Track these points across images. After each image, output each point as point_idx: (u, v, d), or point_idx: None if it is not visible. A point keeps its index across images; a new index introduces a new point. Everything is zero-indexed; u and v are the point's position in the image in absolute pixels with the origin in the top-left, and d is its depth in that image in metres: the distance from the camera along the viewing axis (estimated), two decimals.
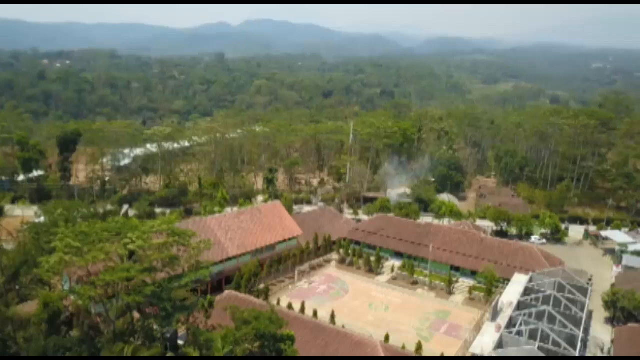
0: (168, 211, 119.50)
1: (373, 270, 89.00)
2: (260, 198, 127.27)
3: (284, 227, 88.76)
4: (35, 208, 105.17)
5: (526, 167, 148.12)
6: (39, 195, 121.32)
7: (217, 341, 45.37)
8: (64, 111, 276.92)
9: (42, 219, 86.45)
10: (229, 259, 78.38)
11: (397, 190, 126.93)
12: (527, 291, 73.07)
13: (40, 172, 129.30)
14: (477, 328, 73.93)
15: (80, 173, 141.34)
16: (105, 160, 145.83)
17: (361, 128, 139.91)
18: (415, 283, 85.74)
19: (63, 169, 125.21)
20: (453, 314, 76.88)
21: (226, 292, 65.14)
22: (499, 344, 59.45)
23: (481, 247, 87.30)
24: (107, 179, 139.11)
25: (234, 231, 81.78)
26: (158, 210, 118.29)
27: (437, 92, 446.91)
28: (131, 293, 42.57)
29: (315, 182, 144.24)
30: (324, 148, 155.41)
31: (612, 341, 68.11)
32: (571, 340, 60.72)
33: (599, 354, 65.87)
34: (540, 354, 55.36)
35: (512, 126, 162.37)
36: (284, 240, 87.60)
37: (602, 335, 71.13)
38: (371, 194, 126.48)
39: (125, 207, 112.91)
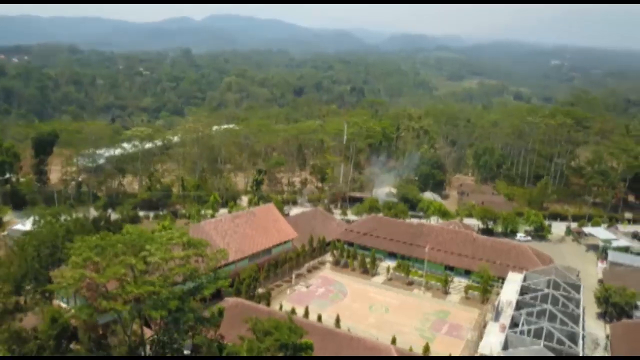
0: (152, 214, 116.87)
1: (368, 271, 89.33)
2: (245, 199, 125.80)
3: (279, 230, 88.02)
4: (12, 213, 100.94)
5: (503, 164, 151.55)
6: (13, 199, 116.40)
7: (241, 353, 44.65)
8: (27, 109, 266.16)
9: (27, 226, 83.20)
10: (227, 264, 77.07)
11: (383, 189, 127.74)
12: (524, 290, 74.72)
13: (10, 175, 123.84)
14: (477, 327, 75.48)
15: (52, 175, 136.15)
16: (75, 160, 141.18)
17: (344, 127, 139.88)
18: (410, 283, 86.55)
19: (39, 172, 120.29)
20: (452, 314, 77.99)
21: (231, 299, 64.02)
22: (506, 344, 60.69)
23: (474, 247, 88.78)
24: (80, 179, 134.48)
25: (231, 236, 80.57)
26: (141, 213, 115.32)
27: (405, 89, 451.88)
28: (158, 307, 41.20)
29: (297, 181, 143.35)
30: (305, 147, 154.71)
31: (607, 336, 70.70)
32: (572, 338, 62.51)
33: (597, 349, 68.02)
34: (549, 353, 56.78)
35: (489, 124, 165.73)
36: (280, 244, 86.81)
37: (595, 330, 73.53)
38: (357, 194, 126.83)
39: (109, 211, 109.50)
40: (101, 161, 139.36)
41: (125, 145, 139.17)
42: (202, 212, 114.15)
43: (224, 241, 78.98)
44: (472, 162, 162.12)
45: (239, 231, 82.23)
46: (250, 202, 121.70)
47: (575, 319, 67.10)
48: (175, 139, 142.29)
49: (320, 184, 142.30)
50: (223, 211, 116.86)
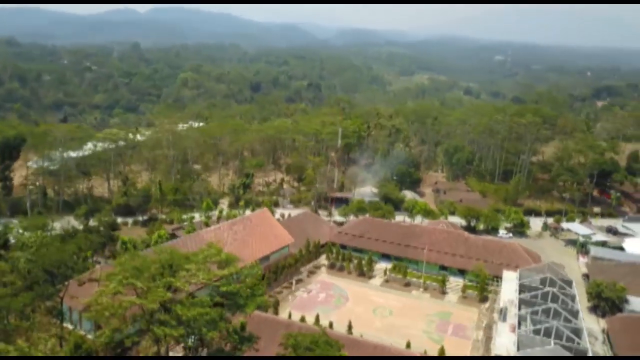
0: (130, 221, 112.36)
1: (364, 273, 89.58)
2: (225, 202, 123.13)
3: (275, 235, 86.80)
4: None
5: (473, 161, 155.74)
6: None
7: None
8: None
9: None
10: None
11: (364, 189, 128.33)
12: (522, 288, 77.17)
13: None
14: (480, 327, 77.43)
15: (16, 180, 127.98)
16: (33, 163, 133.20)
17: (320, 127, 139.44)
18: (408, 285, 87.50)
19: (3, 178, 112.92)
20: (454, 314, 79.43)
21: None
22: (519, 345, 62.44)
23: (467, 246, 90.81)
24: (39, 183, 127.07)
25: (231, 244, 78.50)
26: (119, 220, 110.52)
27: (360, 85, 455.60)
28: (209, 329, 39.45)
29: (271, 182, 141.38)
30: (279, 147, 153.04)
31: (603, 330, 74.15)
32: (577, 334, 65.08)
33: (597, 343, 71.12)
34: (565, 352, 58.89)
35: (456, 122, 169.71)
36: (278, 250, 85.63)
37: (590, 324, 76.82)
38: (338, 194, 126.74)
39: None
40: (56, 166, 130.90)
41: (90, 145, 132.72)
42: (184, 216, 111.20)
43: (224, 249, 76.86)
44: (442, 160, 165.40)
45: (238, 238, 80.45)
46: (231, 206, 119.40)
47: (575, 315, 70.03)
48: (141, 138, 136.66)
49: (297, 184, 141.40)
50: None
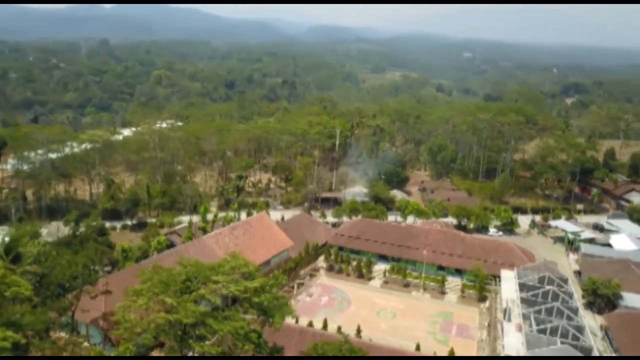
0: (118, 225, 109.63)
1: (364, 275, 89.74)
2: (214, 205, 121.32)
3: (275, 239, 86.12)
4: None
5: (456, 160, 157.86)
6: None
7: None
8: None
9: None
10: None
11: (353, 189, 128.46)
12: (522, 287, 78.67)
13: None
14: (482, 326, 78.53)
15: None
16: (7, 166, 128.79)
17: (307, 127, 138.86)
18: (407, 285, 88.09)
19: None
20: (456, 315, 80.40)
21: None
22: (527, 344, 63.57)
23: (463, 246, 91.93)
24: (14, 186, 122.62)
25: (232, 248, 77.00)
26: (106, 224, 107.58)
27: (334, 82, 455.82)
28: (244, 343, 38.70)
29: (258, 182, 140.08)
30: (265, 147, 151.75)
31: (601, 327, 76.21)
32: (580, 331, 66.79)
33: (597, 339, 73.02)
34: (575, 351, 60.27)
35: (439, 121, 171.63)
36: (278, 254, 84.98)
37: (588, 321, 78.83)
38: (328, 194, 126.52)
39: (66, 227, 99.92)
40: (34, 168, 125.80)
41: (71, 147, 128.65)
42: (175, 220, 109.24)
43: (227, 255, 75.86)
44: (424, 158, 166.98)
45: (239, 243, 79.36)
46: (220, 208, 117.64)
47: (575, 313, 71.83)
48: (120, 139, 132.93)
49: (284, 185, 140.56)
50: (197, 218, 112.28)
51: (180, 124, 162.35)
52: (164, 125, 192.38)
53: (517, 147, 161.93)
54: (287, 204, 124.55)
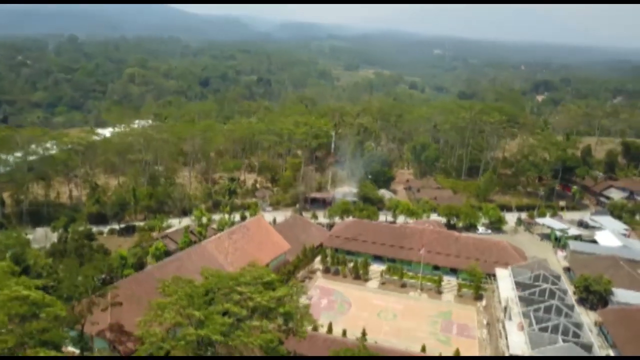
0: (105, 230, 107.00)
1: (360, 276, 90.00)
2: (202, 207, 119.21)
3: (273, 243, 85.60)
4: None
5: (439, 158, 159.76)
6: None
7: None
8: None
9: None
10: None
11: (342, 189, 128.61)
12: (518, 286, 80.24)
13: None
14: (481, 325, 79.73)
15: None
16: None
17: (294, 127, 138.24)
18: (404, 286, 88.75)
19: None
20: (454, 314, 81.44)
21: None
22: (531, 343, 64.85)
23: (458, 245, 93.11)
24: None
25: (232, 254, 76.90)
26: (93, 229, 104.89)
27: (308, 79, 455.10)
28: (273, 354, 38.29)
29: (242, 183, 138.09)
30: (249, 147, 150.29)
31: (595, 323, 78.35)
32: (579, 328, 68.50)
33: (593, 335, 75.03)
34: (579, 349, 61.79)
35: (422, 119, 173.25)
36: (276, 257, 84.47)
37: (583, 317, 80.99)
38: (317, 195, 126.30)
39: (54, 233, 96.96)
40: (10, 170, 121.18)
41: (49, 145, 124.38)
42: (164, 224, 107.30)
43: (227, 260, 75.27)
44: (407, 157, 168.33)
45: (239, 248, 78.71)
46: (208, 211, 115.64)
47: (572, 309, 73.73)
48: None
49: (270, 185, 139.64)
50: (187, 221, 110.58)
51: (156, 123, 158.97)
52: (143, 124, 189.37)
53: (499, 146, 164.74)
54: (276, 205, 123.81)
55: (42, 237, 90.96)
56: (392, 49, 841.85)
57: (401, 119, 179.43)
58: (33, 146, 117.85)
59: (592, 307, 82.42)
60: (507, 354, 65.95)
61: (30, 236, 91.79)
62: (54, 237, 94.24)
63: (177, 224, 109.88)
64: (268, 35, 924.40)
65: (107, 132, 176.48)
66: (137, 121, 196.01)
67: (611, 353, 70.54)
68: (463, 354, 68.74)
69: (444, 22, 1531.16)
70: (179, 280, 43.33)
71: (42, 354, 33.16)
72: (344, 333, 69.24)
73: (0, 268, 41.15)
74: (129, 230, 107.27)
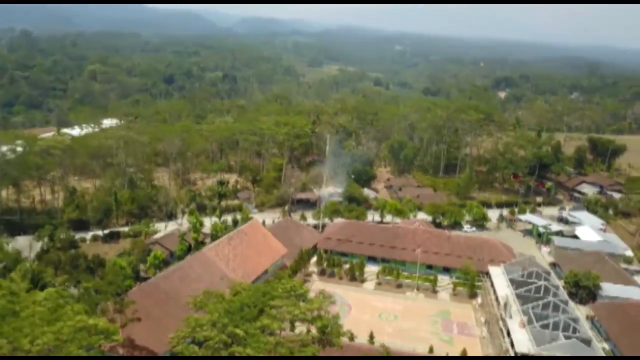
0: (88, 236, 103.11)
1: (356, 278, 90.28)
2: (186, 210, 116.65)
3: (270, 247, 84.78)
4: None
5: (417, 156, 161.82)
6: None
7: None
8: None
9: None
10: None
11: (327, 189, 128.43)
12: (513, 284, 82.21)
13: None
14: (480, 323, 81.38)
15: None
16: None
17: (276, 127, 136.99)
18: (399, 286, 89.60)
19: None
20: (452, 313, 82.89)
21: None
22: (534, 340, 66.60)
23: (450, 244, 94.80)
24: None
25: (233, 260, 75.70)
26: (82, 235, 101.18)
27: (274, 76, 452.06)
28: None
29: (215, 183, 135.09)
30: (227, 147, 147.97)
31: (587, 317, 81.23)
32: (577, 323, 70.85)
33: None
34: (583, 345, 63.90)
35: (397, 118, 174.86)
36: (274, 262, 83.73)
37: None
38: (302, 195, 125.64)
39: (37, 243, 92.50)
40: None
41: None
42: (150, 229, 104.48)
43: (229, 267, 74.04)
44: (385, 155, 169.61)
45: (238, 254, 77.55)
46: (192, 214, 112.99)
47: (568, 305, 76.19)
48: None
49: (251, 186, 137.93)
50: (171, 225, 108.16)
51: (127, 123, 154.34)
52: (111, 124, 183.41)
53: (475, 143, 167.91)
54: (261, 207, 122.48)
55: (25, 247, 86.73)
56: (354, 45, 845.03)
57: (376, 117, 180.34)
58: (4, 149, 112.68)
59: (582, 302, 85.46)
60: (511, 352, 67.62)
61: (10, 246, 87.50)
62: (37, 246, 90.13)
63: (162, 228, 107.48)
64: (229, 31, 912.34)
65: (74, 132, 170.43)
66: (105, 121, 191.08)
67: (605, 346, 73.30)
68: (460, 352, 69.75)
69: (404, 18, 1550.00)
70: (210, 295, 42.22)
71: None
72: (351, 337, 69.03)
73: (50, 296, 38.79)
74: (113, 237, 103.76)
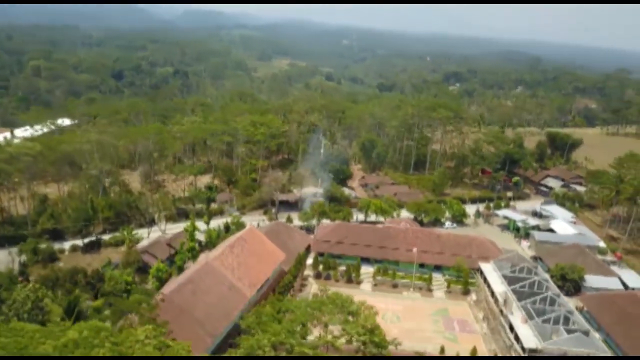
0: (66, 247, 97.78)
1: (353, 280, 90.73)
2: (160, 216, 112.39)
3: (269, 253, 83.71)
4: None
5: (388, 154, 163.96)
6: None
7: None
8: None
9: None
10: None
11: (308, 189, 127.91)
12: (506, 279, 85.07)
13: None
14: (478, 320, 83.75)
15: None
16: None
17: (252, 128, 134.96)
18: (395, 286, 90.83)
19: None
20: (450, 311, 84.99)
21: None
22: (538, 336, 69.31)
23: (440, 243, 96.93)
24: None
25: (237, 269, 74.17)
26: (57, 246, 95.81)
27: (226, 71, 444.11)
28: None
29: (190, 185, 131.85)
30: (199, 148, 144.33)
31: (576, 307, 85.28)
32: (573, 315, 74.41)
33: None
34: (587, 339, 67.17)
35: (366, 115, 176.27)
36: (276, 268, 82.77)
37: None
38: (283, 196, 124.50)
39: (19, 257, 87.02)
40: None
41: None
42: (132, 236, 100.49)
43: (235, 276, 72.51)
44: (356, 153, 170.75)
45: (242, 262, 76.05)
46: (172, 220, 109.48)
47: (560, 298, 79.79)
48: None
49: (227, 188, 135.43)
50: (154, 232, 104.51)
51: (76, 122, 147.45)
52: (65, 124, 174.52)
53: (445, 140, 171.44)
54: (242, 209, 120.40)
55: (7, 262, 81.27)
56: (301, 39, 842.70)
57: (344, 115, 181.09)
58: None
59: (568, 294, 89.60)
60: (517, 347, 70.18)
61: None
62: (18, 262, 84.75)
63: (144, 235, 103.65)
64: (172, 23, 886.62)
65: (26, 133, 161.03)
66: (60, 121, 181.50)
67: (597, 336, 77.36)
68: (470, 350, 71.76)
69: (348, 13, 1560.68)
70: (261, 313, 41.22)
71: None
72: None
73: (146, 333, 36.13)
74: (93, 246, 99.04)
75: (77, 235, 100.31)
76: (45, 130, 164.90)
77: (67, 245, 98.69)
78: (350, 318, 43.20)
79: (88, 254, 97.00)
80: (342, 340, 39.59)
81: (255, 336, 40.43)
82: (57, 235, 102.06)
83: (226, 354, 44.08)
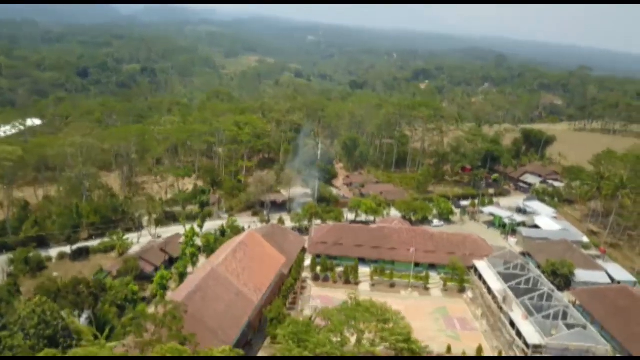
0: (53, 254, 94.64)
1: (351, 281, 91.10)
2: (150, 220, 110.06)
3: (270, 257, 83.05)
4: None
5: (369, 152, 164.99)
6: None
7: None
8: None
9: None
10: None
11: (297, 190, 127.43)
12: (502, 276, 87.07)
13: None
14: (477, 317, 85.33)
15: None
16: None
17: (237, 128, 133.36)
18: (392, 286, 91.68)
19: None
20: (449, 309, 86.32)
21: None
22: (540, 331, 71.31)
23: (434, 242, 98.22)
24: None
25: (242, 274, 73.41)
26: (42, 254, 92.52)
27: (194, 68, 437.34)
28: None
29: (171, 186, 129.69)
30: (182, 149, 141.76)
31: (568, 301, 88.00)
32: (569, 310, 76.77)
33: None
34: (588, 333, 69.44)
35: (346, 114, 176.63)
36: (278, 272, 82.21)
37: None
38: (272, 198, 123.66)
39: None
40: None
41: None
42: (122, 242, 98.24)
43: (240, 282, 71.75)
44: (337, 152, 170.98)
45: (246, 267, 75.30)
46: (160, 223, 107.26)
47: (555, 293, 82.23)
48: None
49: (212, 189, 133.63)
50: (143, 237, 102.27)
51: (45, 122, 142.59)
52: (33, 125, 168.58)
53: (427, 138, 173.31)
54: (231, 211, 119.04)
55: None
56: (268, 35, 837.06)
57: (324, 114, 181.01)
58: None
59: (559, 289, 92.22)
60: (519, 343, 72.02)
61: None
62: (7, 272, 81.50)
63: (134, 240, 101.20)
64: (134, 18, 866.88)
65: None
66: (30, 121, 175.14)
67: (592, 329, 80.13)
68: (476, 349, 73.15)
69: (313, 9, 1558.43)
70: (296, 324, 40.93)
71: None
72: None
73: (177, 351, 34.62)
74: (81, 253, 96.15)
75: (63, 242, 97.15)
76: (14, 131, 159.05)
77: (53, 252, 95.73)
78: (385, 326, 43.41)
79: (77, 262, 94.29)
80: (381, 348, 39.73)
81: (288, 345, 40.16)
82: (41, 242, 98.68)
83: None
